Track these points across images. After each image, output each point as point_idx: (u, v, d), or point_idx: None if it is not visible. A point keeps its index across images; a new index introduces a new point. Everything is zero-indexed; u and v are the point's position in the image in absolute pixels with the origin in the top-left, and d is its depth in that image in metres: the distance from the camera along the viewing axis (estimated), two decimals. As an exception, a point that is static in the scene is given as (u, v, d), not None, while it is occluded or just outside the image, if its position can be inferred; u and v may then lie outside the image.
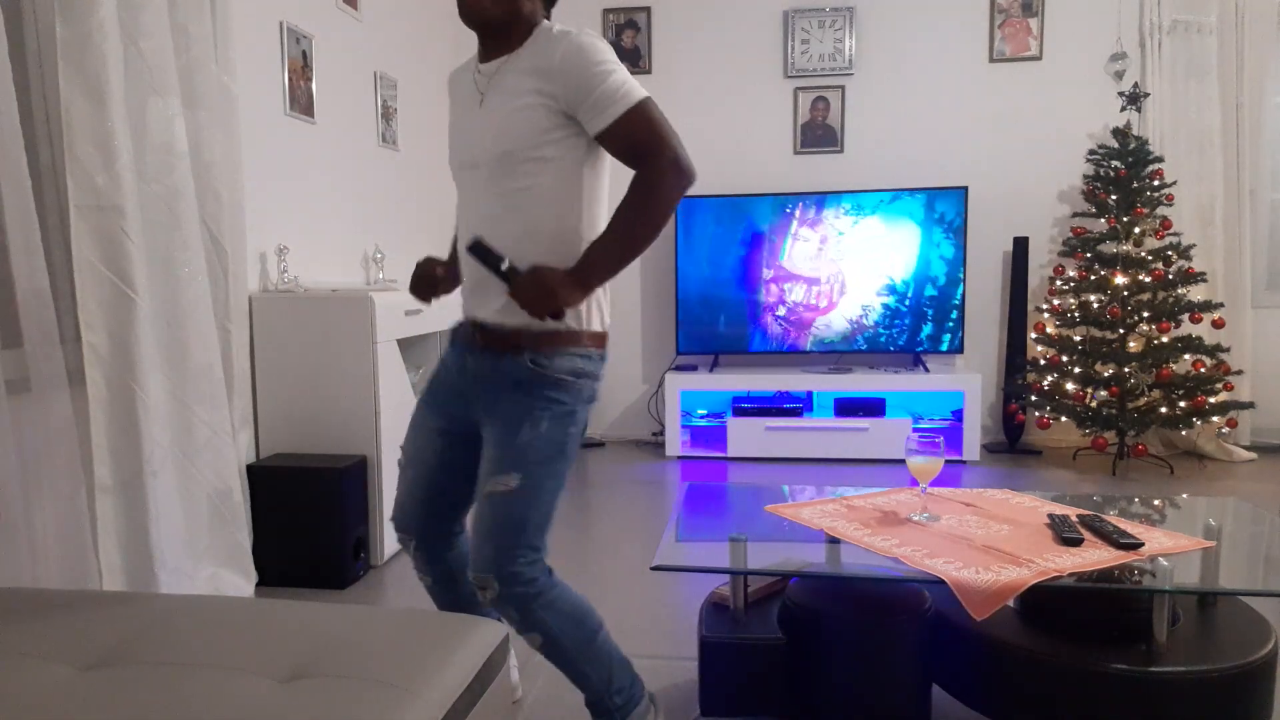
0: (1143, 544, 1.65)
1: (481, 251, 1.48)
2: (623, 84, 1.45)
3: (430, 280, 1.73)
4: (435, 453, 1.69)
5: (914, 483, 1.90)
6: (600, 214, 1.59)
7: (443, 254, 4.46)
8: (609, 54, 1.47)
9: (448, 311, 3.43)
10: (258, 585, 2.62)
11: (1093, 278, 4.06)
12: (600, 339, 1.62)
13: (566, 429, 1.56)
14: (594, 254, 1.50)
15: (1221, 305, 4.02)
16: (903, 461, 2.28)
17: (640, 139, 1.45)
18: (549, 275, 1.45)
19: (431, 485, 1.71)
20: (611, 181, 1.61)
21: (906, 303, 4.41)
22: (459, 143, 1.61)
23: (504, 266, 1.47)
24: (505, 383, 1.56)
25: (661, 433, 4.66)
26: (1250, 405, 4.05)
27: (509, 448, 1.54)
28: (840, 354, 4.58)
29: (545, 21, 1.55)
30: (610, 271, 1.51)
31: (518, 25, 1.52)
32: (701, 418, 4.58)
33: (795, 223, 4.44)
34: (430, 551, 1.75)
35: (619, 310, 4.87)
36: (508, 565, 1.53)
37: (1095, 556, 1.60)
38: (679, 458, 4.45)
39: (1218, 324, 4.01)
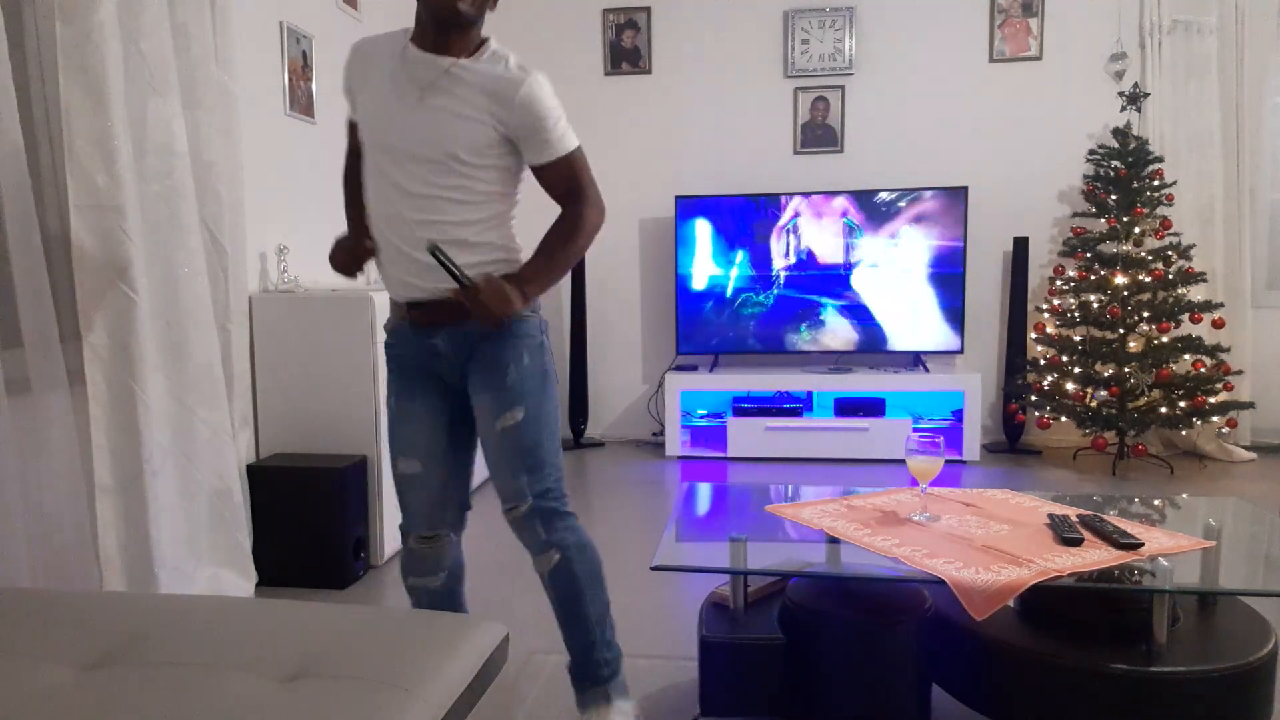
0: (1143, 544, 1.64)
1: (442, 257, 1.57)
2: (566, 132, 1.69)
3: (358, 255, 1.77)
4: (444, 435, 1.78)
5: (914, 483, 1.90)
6: (508, 224, 1.75)
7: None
8: (556, 100, 1.68)
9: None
10: (258, 585, 2.62)
11: (1093, 278, 4.06)
12: None
13: (543, 356, 1.75)
14: (530, 271, 1.70)
15: (1221, 305, 4.02)
16: (903, 461, 2.28)
17: (572, 179, 1.71)
18: (504, 287, 1.60)
19: (452, 469, 1.82)
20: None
21: (906, 302, 4.41)
22: (392, 127, 1.66)
23: (463, 276, 1.58)
24: (474, 340, 1.71)
25: (661, 433, 4.66)
26: (1250, 405, 4.05)
27: (502, 388, 1.69)
28: (840, 354, 4.58)
29: (490, 40, 1.69)
30: (543, 288, 1.72)
31: (477, 29, 1.66)
32: (701, 418, 4.58)
33: (795, 223, 4.44)
34: (451, 541, 1.85)
35: (619, 310, 4.86)
36: (540, 484, 1.70)
37: (1095, 556, 1.60)
38: (679, 458, 4.45)
39: (1218, 324, 4.01)
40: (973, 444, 4.24)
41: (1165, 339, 3.96)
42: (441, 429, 1.77)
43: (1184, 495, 2.44)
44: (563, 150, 1.68)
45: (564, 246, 1.72)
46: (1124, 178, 4.06)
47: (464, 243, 1.65)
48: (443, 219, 1.65)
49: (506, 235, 1.74)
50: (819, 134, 4.64)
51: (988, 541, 1.69)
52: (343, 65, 1.75)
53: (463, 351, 1.72)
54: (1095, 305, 4.04)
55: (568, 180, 1.72)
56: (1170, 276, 3.96)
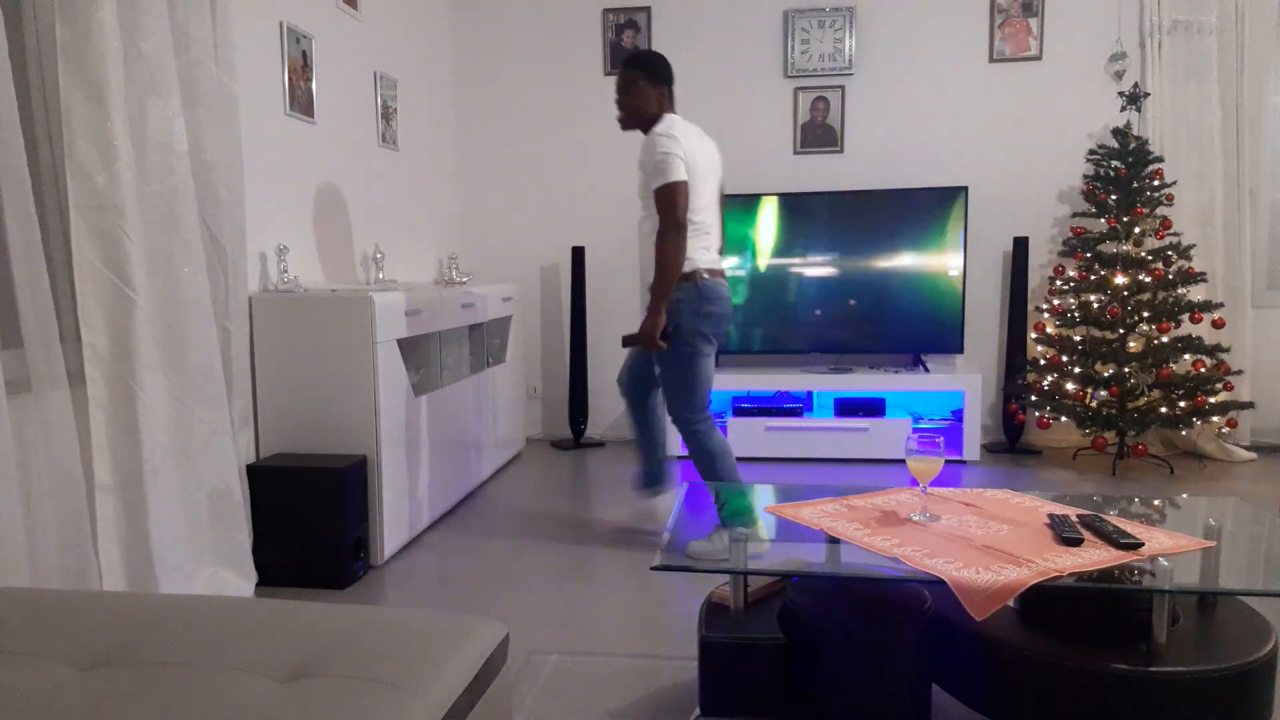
0: (1143, 544, 1.64)
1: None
2: (661, 171, 2.72)
3: None
4: None
5: (914, 483, 1.90)
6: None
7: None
8: (661, 147, 2.72)
9: (446, 313, 3.43)
10: (258, 585, 2.62)
11: (1093, 278, 4.06)
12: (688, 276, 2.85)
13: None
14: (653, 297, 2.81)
15: (1221, 305, 4.01)
16: (903, 461, 2.28)
17: (659, 208, 2.76)
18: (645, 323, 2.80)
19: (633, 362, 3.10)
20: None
21: (906, 302, 4.41)
22: None
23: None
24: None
25: (661, 433, 4.66)
26: (1250, 405, 4.05)
27: None
28: (840, 354, 4.58)
29: (663, 118, 2.83)
30: (658, 302, 2.76)
31: (642, 123, 2.89)
32: (701, 418, 4.57)
33: (795, 223, 4.44)
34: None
35: (619, 311, 4.86)
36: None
37: (1095, 556, 1.60)
38: (679, 458, 4.45)
39: (1218, 324, 4.01)
40: (973, 444, 4.24)
41: (1165, 339, 3.96)
42: None
43: (1184, 495, 2.44)
44: (654, 184, 2.73)
45: (656, 269, 2.75)
46: (1124, 178, 4.06)
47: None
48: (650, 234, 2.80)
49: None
50: (819, 134, 4.64)
51: (988, 541, 1.69)
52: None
53: None
54: (1095, 305, 4.04)
55: (656, 206, 2.74)
56: (1170, 276, 3.96)
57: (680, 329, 2.77)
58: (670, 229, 2.69)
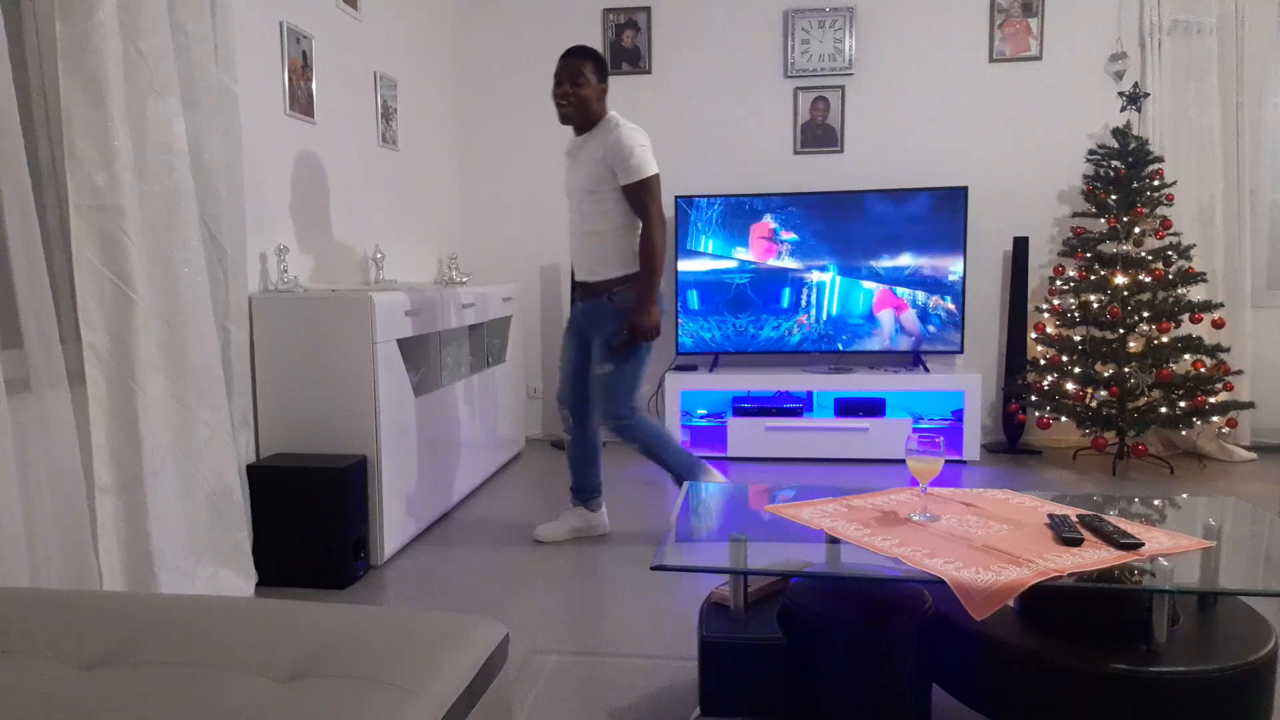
0: (1143, 544, 1.64)
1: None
2: (641, 164, 2.80)
3: None
4: (575, 353, 3.08)
5: (914, 483, 1.90)
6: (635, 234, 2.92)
7: (441, 249, 4.47)
8: (638, 140, 2.81)
9: (446, 313, 3.43)
10: (258, 585, 2.62)
11: (1093, 278, 4.06)
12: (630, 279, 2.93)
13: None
14: (637, 295, 2.87)
15: (1221, 305, 4.02)
16: (903, 461, 2.28)
17: (638, 201, 2.83)
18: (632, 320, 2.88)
19: (574, 374, 3.09)
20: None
21: (906, 302, 4.41)
22: (567, 182, 2.99)
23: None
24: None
25: (661, 433, 4.66)
26: (1250, 405, 4.05)
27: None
28: (840, 354, 4.58)
29: (609, 114, 2.87)
30: (648, 298, 2.85)
31: (586, 119, 2.89)
32: (701, 418, 4.58)
33: (794, 223, 4.44)
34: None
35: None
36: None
37: (1095, 556, 1.60)
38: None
39: (1217, 324, 4.01)
40: (973, 444, 4.24)
41: (1165, 339, 3.96)
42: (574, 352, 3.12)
43: (1184, 495, 2.44)
44: (630, 180, 2.78)
45: (643, 265, 2.84)
46: (1124, 178, 4.06)
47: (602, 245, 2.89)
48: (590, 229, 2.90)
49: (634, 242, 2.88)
50: (819, 134, 4.64)
51: (988, 541, 1.69)
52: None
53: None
54: (1095, 305, 4.04)
55: (634, 201, 2.81)
56: (1170, 276, 3.96)
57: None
58: (657, 221, 2.80)
